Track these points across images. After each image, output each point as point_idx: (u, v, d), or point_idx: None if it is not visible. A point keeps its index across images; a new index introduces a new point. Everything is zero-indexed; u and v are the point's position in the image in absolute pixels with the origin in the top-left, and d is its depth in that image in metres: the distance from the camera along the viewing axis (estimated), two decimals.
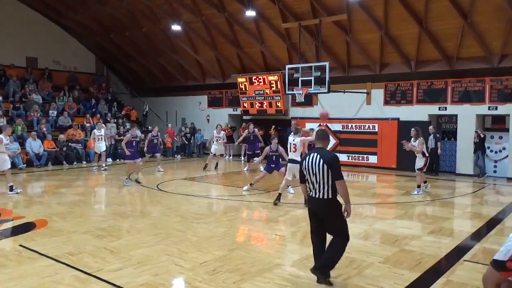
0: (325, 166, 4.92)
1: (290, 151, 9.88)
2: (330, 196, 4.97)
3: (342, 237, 5.08)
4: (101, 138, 16.17)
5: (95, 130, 16.39)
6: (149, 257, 6.04)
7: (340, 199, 5.05)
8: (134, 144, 12.71)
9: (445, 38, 14.56)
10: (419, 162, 11.18)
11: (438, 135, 15.05)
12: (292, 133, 10.20)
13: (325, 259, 5.06)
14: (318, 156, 5.00)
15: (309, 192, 5.16)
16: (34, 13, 22.07)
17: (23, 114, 18.41)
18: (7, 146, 11.27)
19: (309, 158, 5.07)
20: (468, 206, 10.25)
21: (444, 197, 11.17)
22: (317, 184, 4.99)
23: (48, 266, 5.67)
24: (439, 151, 14.83)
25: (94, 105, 21.60)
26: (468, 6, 13.24)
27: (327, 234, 5.21)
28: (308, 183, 5.11)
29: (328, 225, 5.10)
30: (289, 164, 9.86)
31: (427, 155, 11.32)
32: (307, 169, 5.06)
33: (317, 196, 5.01)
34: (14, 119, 17.56)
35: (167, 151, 20.96)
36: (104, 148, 16.28)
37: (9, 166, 10.91)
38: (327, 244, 5.19)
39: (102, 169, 15.73)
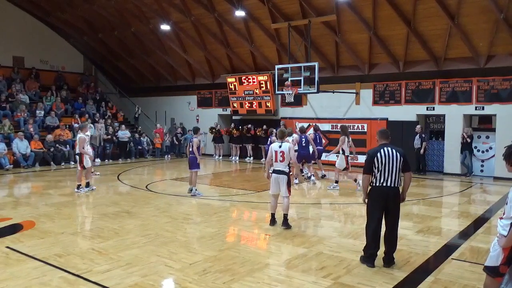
0: (402, 159, 5.69)
1: (277, 161, 7.71)
2: (398, 185, 5.73)
3: (398, 220, 5.87)
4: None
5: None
6: (138, 258, 6.01)
7: None
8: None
9: (433, 39, 14.70)
10: (340, 161, 11.43)
11: (424, 135, 15.16)
12: (272, 137, 9.28)
13: (390, 251, 5.79)
14: (393, 149, 5.72)
15: (377, 182, 5.68)
16: (21, 12, 21.79)
17: (9, 114, 18.18)
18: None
19: (383, 150, 5.68)
20: (455, 205, 10.35)
21: (432, 196, 11.28)
22: (390, 174, 5.64)
23: (36, 268, 5.61)
24: (422, 151, 14.96)
25: (82, 105, 21.41)
26: (455, 7, 13.39)
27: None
28: (381, 174, 5.65)
29: (392, 211, 5.75)
30: (274, 175, 7.78)
31: (346, 153, 11.47)
32: (381, 160, 5.63)
33: (389, 184, 5.65)
34: (1, 119, 17.32)
35: (156, 151, 20.90)
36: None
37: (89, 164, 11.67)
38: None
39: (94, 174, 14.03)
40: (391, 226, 5.79)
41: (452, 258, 6.13)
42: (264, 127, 18.70)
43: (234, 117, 20.80)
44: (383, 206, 5.72)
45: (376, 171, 5.67)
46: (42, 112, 19.15)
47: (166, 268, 5.65)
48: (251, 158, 19.54)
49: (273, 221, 7.89)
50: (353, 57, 16.56)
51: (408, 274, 5.51)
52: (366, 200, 5.87)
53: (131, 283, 5.10)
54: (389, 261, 5.76)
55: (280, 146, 7.73)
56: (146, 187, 12.21)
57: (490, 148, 14.91)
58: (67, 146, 17.70)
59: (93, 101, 22.11)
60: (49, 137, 17.33)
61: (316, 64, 15.36)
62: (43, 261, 5.85)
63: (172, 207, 9.55)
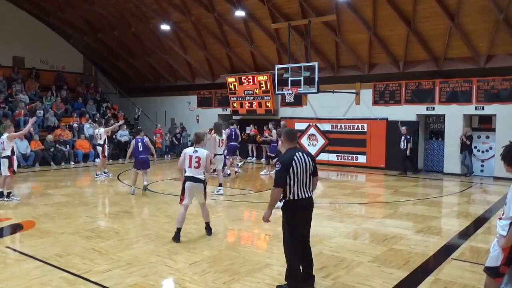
0: (312, 164, 4.94)
1: (190, 167, 6.84)
2: (312, 193, 4.99)
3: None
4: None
5: (102, 130, 14.39)
6: (138, 258, 6.01)
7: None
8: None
9: (433, 39, 14.71)
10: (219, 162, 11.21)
11: (409, 137, 15.00)
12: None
13: (311, 269, 5.08)
14: (305, 154, 4.89)
15: (295, 196, 4.80)
16: (21, 12, 21.79)
17: (9, 114, 18.17)
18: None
19: (297, 157, 4.79)
20: (455, 205, 10.36)
21: (431, 196, 11.27)
22: (307, 184, 4.87)
23: (36, 268, 5.62)
24: (408, 152, 14.92)
25: (82, 105, 21.40)
26: (455, 7, 13.39)
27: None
28: (297, 185, 4.78)
29: (308, 223, 5.04)
30: (189, 183, 6.86)
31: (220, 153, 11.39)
32: (297, 169, 4.75)
33: (307, 195, 4.88)
34: (1, 119, 17.32)
35: (156, 151, 20.87)
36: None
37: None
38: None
39: (107, 175, 14.31)
40: (308, 239, 5.08)
41: (452, 258, 6.13)
42: (265, 127, 18.75)
43: (234, 117, 20.79)
44: (305, 219, 4.97)
45: (292, 183, 4.75)
46: (42, 112, 19.15)
47: (166, 268, 5.65)
48: (254, 158, 19.62)
49: (178, 238, 6.77)
50: (353, 57, 16.56)
51: (408, 274, 5.51)
52: (276, 218, 5.11)
53: (131, 283, 5.10)
54: (311, 279, 5.06)
55: (196, 151, 6.89)
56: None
57: (490, 148, 14.90)
58: (67, 146, 17.73)
59: (93, 101, 22.11)
60: (49, 137, 17.34)
61: (316, 64, 15.36)
62: (43, 261, 5.85)
63: (172, 207, 9.54)
